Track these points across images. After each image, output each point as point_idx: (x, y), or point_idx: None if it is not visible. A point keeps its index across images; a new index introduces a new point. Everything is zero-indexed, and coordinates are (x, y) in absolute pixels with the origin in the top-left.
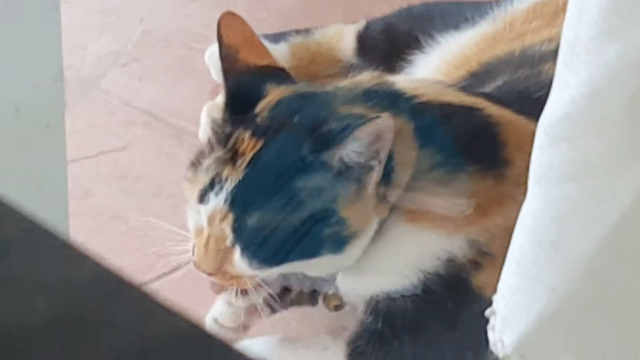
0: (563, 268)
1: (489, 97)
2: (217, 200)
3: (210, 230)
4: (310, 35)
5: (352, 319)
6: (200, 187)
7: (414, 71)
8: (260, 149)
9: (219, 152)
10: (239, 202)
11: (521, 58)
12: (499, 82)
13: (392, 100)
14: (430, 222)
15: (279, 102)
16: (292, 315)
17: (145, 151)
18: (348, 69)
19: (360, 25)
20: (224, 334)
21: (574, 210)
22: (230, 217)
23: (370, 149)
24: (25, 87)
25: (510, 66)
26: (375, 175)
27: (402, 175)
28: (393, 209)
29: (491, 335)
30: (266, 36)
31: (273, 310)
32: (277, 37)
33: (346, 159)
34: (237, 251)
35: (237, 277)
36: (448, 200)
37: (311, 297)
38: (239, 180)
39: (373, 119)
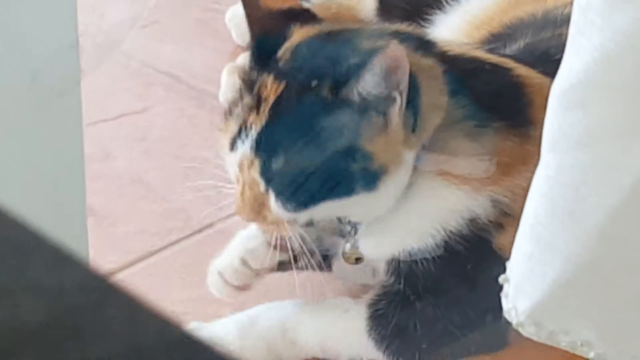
0: (577, 235)
1: (514, 58)
2: (244, 148)
3: (243, 178)
4: None
5: (372, 284)
6: (230, 135)
7: (434, 31)
8: (282, 92)
9: (247, 99)
10: (263, 147)
11: (543, 20)
12: (521, 43)
13: (421, 43)
14: (457, 178)
15: (301, 43)
16: (308, 278)
17: (166, 113)
18: None
19: None
20: (223, 290)
21: (588, 177)
22: (257, 163)
23: (387, 80)
24: (42, 55)
25: (532, 28)
26: (398, 106)
27: (431, 117)
28: (424, 159)
29: (505, 303)
30: None
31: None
32: None
33: (364, 92)
34: (272, 195)
35: (276, 223)
36: (473, 160)
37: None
38: (262, 126)
39: (383, 47)
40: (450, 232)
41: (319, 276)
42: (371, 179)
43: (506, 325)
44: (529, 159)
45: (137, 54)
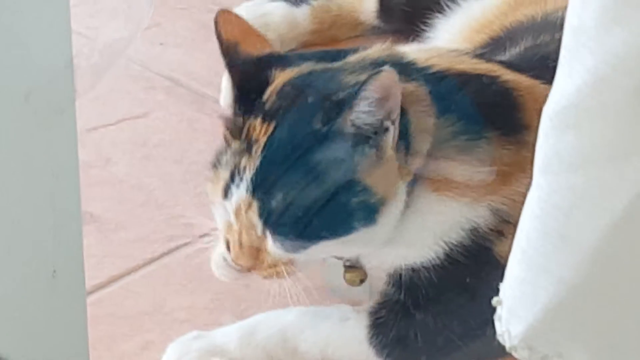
0: (570, 258)
1: (504, 63)
2: (239, 192)
3: (240, 224)
4: None
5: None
6: (222, 184)
7: (435, 34)
8: (273, 131)
9: (235, 145)
10: (259, 187)
11: (543, 23)
12: (521, 47)
13: (403, 68)
14: (454, 191)
15: (285, 84)
16: (313, 285)
17: (167, 117)
18: (369, 32)
19: None
20: (229, 274)
21: (581, 199)
22: (255, 204)
23: (380, 108)
24: (35, 75)
25: (532, 31)
26: (392, 136)
27: (422, 142)
28: (418, 179)
29: (498, 326)
30: None
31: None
32: (298, 0)
33: (358, 122)
34: (269, 237)
35: (275, 267)
36: (471, 168)
37: None
38: (257, 166)
39: (375, 74)
40: (452, 243)
41: (319, 283)
42: (370, 212)
43: None
44: (527, 165)
45: (137, 57)
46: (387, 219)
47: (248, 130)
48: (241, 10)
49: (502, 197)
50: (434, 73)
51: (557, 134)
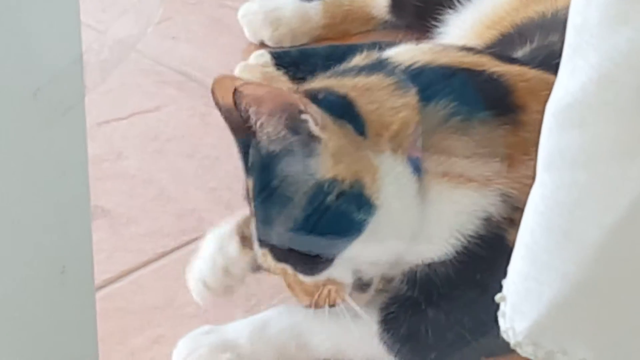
0: (574, 254)
1: (494, 55)
2: (257, 248)
3: (277, 271)
4: None
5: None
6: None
7: (446, 30)
8: (253, 185)
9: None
10: (262, 238)
11: (552, 20)
12: (531, 45)
13: (388, 71)
14: (462, 176)
15: None
16: None
17: (178, 112)
18: (381, 27)
19: None
20: (207, 297)
21: (585, 196)
22: (267, 253)
23: (261, 114)
24: (44, 71)
25: (542, 29)
26: (313, 124)
27: (389, 118)
28: (424, 169)
29: (502, 322)
30: None
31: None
32: None
33: (273, 137)
34: (290, 270)
35: (326, 290)
36: (470, 147)
37: None
38: (255, 223)
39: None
40: (470, 235)
41: None
42: (357, 198)
43: None
44: (529, 147)
45: (149, 51)
46: (388, 198)
47: (248, 192)
48: (254, 5)
49: (511, 182)
50: (415, 69)
51: (560, 131)
